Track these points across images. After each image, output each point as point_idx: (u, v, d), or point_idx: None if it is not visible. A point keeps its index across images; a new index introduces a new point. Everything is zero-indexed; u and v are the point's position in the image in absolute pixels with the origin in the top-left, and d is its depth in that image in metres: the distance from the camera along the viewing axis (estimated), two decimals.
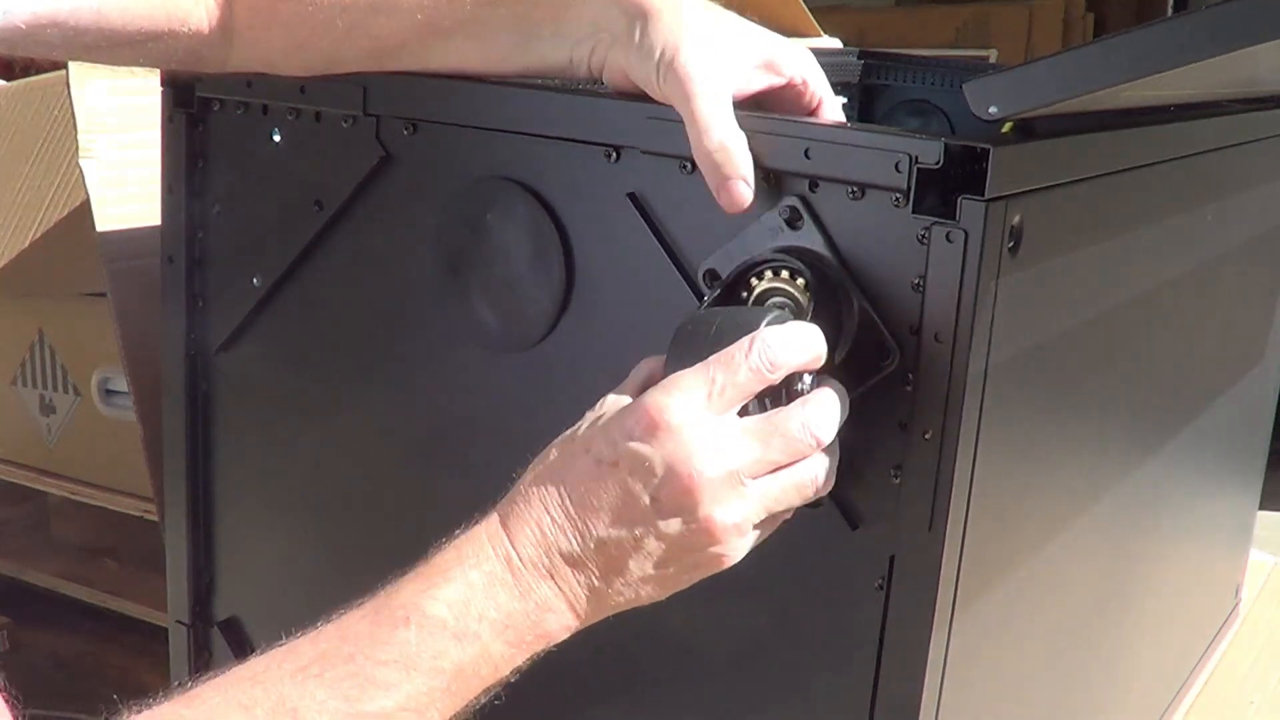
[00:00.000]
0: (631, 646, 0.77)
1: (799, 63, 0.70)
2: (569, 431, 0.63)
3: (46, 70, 1.16)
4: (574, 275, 0.75)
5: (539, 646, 0.62)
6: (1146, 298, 0.88)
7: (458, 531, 0.62)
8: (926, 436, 0.65)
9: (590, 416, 0.63)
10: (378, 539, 0.86)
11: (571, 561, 0.61)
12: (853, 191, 0.65)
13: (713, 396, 0.60)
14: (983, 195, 0.61)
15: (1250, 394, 1.22)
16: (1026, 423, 0.73)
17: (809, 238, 0.67)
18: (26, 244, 1.18)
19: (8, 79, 1.20)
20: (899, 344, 0.65)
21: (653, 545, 0.60)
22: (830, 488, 0.64)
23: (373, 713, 0.57)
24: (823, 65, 0.74)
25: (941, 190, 0.63)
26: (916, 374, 0.64)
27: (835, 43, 1.63)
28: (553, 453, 0.63)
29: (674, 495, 0.59)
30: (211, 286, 0.90)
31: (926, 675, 0.67)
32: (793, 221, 0.67)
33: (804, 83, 0.70)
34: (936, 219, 0.63)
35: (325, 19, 0.75)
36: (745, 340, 0.61)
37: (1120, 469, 0.93)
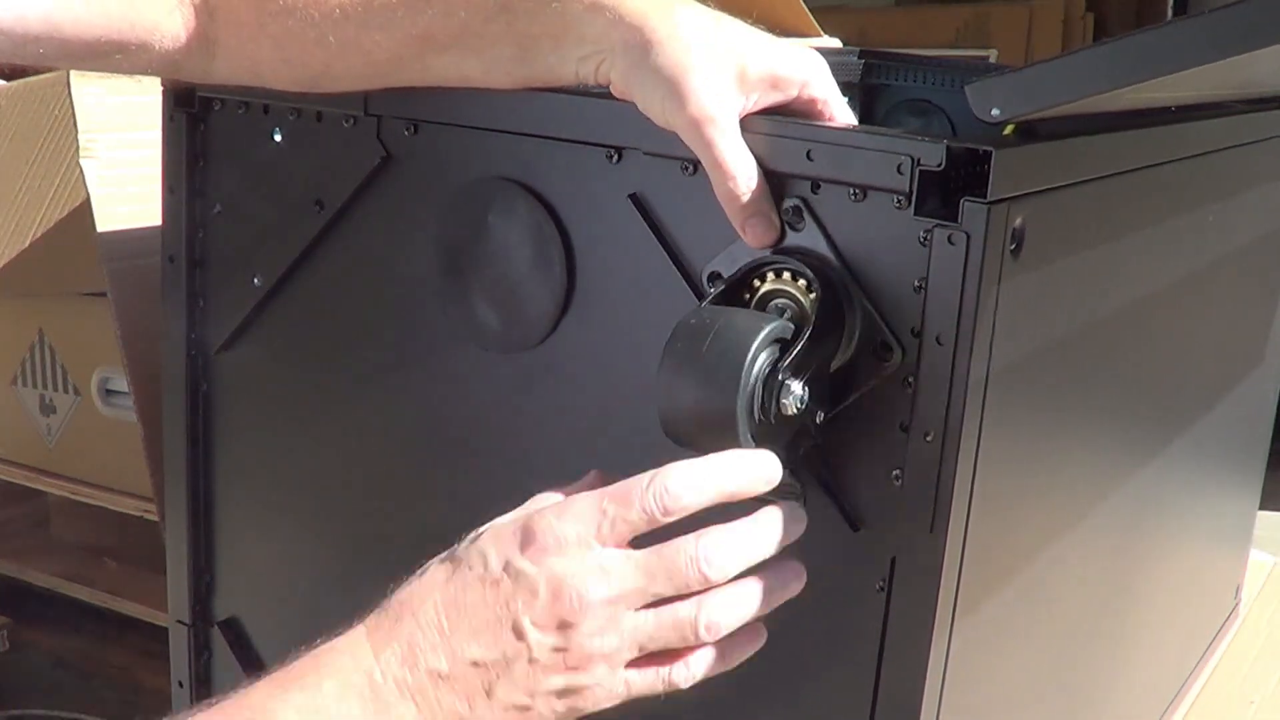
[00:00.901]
0: None
1: (804, 73, 0.68)
2: (448, 550, 0.62)
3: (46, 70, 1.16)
4: (575, 276, 0.74)
5: None
6: (1148, 299, 0.88)
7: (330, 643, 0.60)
8: (928, 438, 0.65)
9: (469, 537, 0.61)
10: (377, 539, 0.86)
11: (438, 681, 0.58)
12: (854, 193, 0.65)
13: (602, 528, 0.58)
14: (985, 197, 0.61)
15: (1251, 395, 1.22)
16: (1028, 424, 0.73)
17: (811, 239, 0.67)
18: (26, 244, 1.18)
19: (8, 79, 1.19)
20: (900, 345, 0.65)
21: (521, 670, 0.58)
22: (730, 629, 0.60)
23: None
24: None
25: (943, 192, 0.63)
26: (918, 376, 0.64)
27: (835, 43, 1.63)
28: (430, 567, 0.61)
29: (553, 617, 0.58)
30: (212, 286, 0.90)
31: (927, 677, 0.67)
32: (794, 223, 0.67)
33: (810, 100, 0.68)
34: (938, 221, 0.63)
35: (316, 35, 0.73)
36: (646, 476, 0.59)
37: (1121, 470, 0.93)
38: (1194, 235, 0.95)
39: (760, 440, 0.63)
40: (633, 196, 0.71)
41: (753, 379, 0.62)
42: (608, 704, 0.60)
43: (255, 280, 0.86)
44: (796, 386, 0.62)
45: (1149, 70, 0.62)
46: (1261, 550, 1.53)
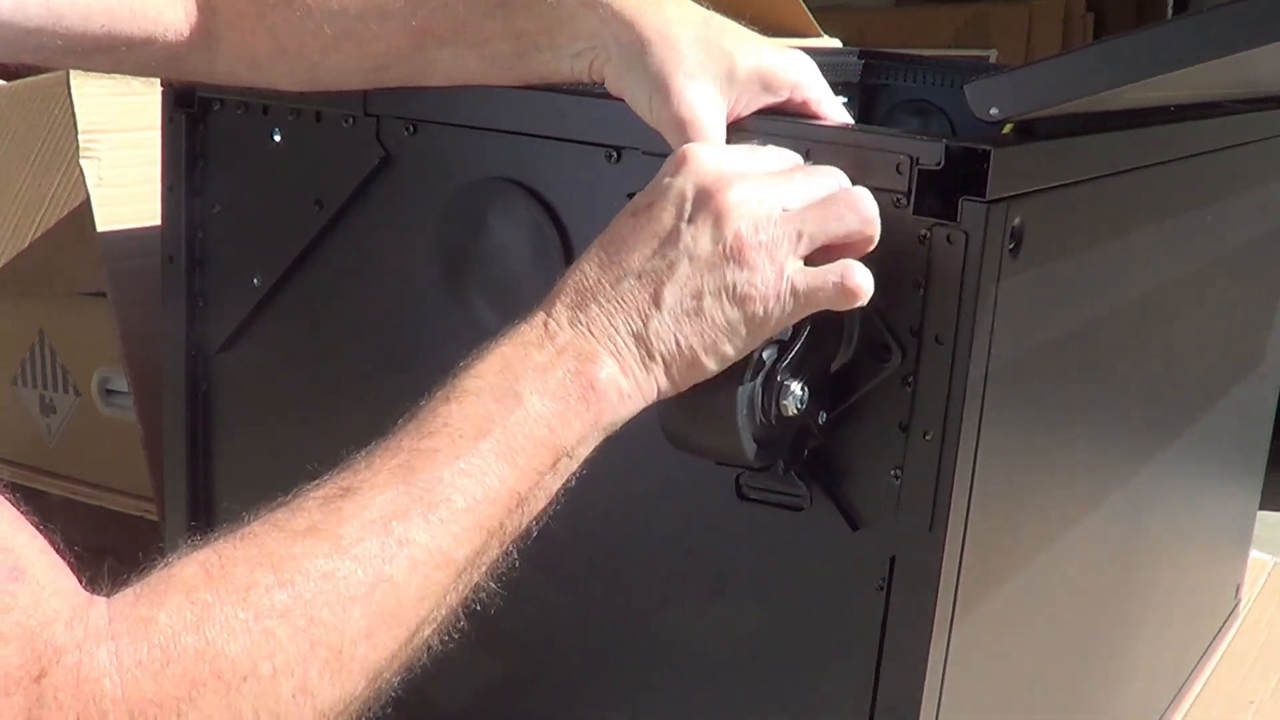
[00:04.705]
0: (632, 647, 0.77)
1: (795, 75, 0.68)
2: None
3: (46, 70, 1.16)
4: None
5: (595, 409, 0.60)
6: (1147, 299, 0.88)
7: None
8: (927, 437, 0.65)
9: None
10: None
11: (606, 306, 0.60)
12: None
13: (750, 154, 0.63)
14: (984, 196, 0.61)
15: (1250, 394, 1.22)
16: (1027, 424, 0.73)
17: None
18: (26, 244, 1.18)
19: (8, 79, 1.19)
20: (900, 345, 0.65)
21: (684, 269, 0.60)
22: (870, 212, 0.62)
23: (426, 481, 0.57)
24: (822, 65, 0.74)
25: (942, 191, 0.63)
26: (917, 375, 0.64)
27: (835, 43, 1.63)
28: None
29: (703, 209, 0.60)
30: (211, 286, 0.90)
31: (927, 676, 0.67)
32: None
33: (804, 101, 0.69)
34: (937, 220, 0.63)
35: (313, 26, 0.73)
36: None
37: (1121, 469, 0.93)
38: (1193, 235, 0.95)
39: (762, 442, 0.63)
40: (632, 196, 0.71)
41: (751, 380, 0.62)
42: (778, 312, 0.61)
43: (255, 280, 0.86)
44: (796, 387, 0.63)
45: (1147, 69, 0.62)
46: (1261, 550, 1.53)
